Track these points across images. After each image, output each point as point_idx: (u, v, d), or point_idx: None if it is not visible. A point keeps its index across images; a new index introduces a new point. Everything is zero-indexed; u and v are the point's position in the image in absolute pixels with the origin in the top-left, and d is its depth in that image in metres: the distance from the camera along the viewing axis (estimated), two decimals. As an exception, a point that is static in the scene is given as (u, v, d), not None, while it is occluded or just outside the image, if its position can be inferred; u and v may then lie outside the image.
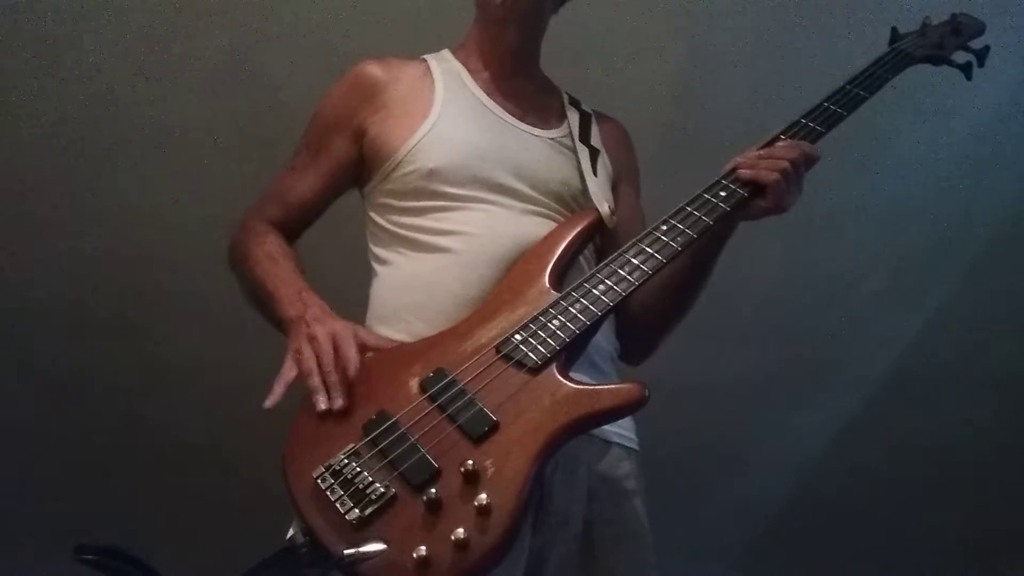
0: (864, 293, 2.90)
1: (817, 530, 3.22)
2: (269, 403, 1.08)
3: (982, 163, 2.70)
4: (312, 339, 1.14)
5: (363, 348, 1.15)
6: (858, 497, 3.17)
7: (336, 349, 1.13)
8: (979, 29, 1.51)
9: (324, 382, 1.10)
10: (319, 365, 1.11)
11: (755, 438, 3.13)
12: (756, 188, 1.20)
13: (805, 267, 2.82)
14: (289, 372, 1.12)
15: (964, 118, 2.60)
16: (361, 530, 0.96)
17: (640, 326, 1.39)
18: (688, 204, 1.21)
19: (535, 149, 1.39)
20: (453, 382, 1.08)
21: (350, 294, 1.36)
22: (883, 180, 2.71)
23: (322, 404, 1.08)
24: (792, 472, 3.22)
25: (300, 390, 1.11)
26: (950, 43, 1.48)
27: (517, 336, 1.12)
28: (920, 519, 3.16)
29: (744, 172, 1.21)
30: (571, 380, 1.08)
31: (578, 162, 1.41)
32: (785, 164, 1.19)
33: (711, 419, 3.01)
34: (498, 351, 1.11)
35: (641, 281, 1.15)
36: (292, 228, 1.43)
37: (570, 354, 1.13)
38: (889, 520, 3.17)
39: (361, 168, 1.41)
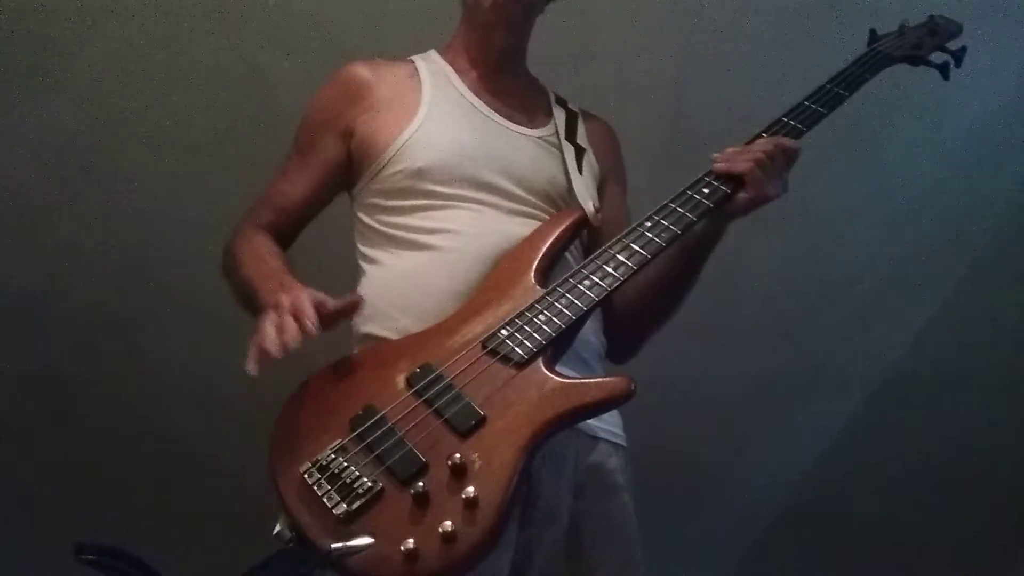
0: (864, 293, 2.89)
1: (817, 530, 3.21)
2: (250, 368, 1.06)
3: (982, 162, 2.69)
4: (277, 304, 1.12)
5: (319, 305, 1.12)
6: (858, 497, 3.16)
7: (295, 302, 1.10)
8: (956, 31, 1.53)
9: (279, 324, 1.07)
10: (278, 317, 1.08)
11: (755, 438, 3.12)
12: (736, 183, 1.22)
13: (805, 267, 2.81)
14: (256, 337, 1.09)
15: (964, 117, 2.59)
16: (348, 524, 0.97)
17: (627, 325, 1.41)
18: (672, 201, 1.24)
19: (522, 148, 1.41)
20: (440, 377, 1.09)
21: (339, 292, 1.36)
22: (883, 180, 2.70)
23: (270, 344, 1.05)
24: (792, 472, 3.21)
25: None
26: (927, 44, 1.50)
27: (503, 331, 1.13)
28: (920, 519, 3.14)
29: (719, 165, 1.24)
30: (558, 374, 1.09)
31: (564, 160, 1.42)
32: (759, 155, 1.21)
33: (711, 419, 3.00)
34: (484, 346, 1.12)
35: (626, 276, 1.16)
36: (285, 232, 1.44)
37: (556, 349, 1.14)
38: (889, 520, 3.15)
39: (350, 169, 1.42)
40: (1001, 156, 2.68)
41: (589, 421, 1.21)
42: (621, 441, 1.34)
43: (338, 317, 1.16)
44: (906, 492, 3.12)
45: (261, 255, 1.33)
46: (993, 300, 2.89)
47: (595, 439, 1.29)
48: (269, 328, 1.07)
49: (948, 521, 3.14)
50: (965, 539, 3.18)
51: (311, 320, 1.08)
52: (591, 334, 1.32)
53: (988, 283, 2.86)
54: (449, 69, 1.46)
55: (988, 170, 2.70)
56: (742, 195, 1.22)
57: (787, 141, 1.25)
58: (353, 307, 1.19)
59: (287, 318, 1.08)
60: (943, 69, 1.49)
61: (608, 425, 1.31)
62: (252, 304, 1.26)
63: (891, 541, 3.18)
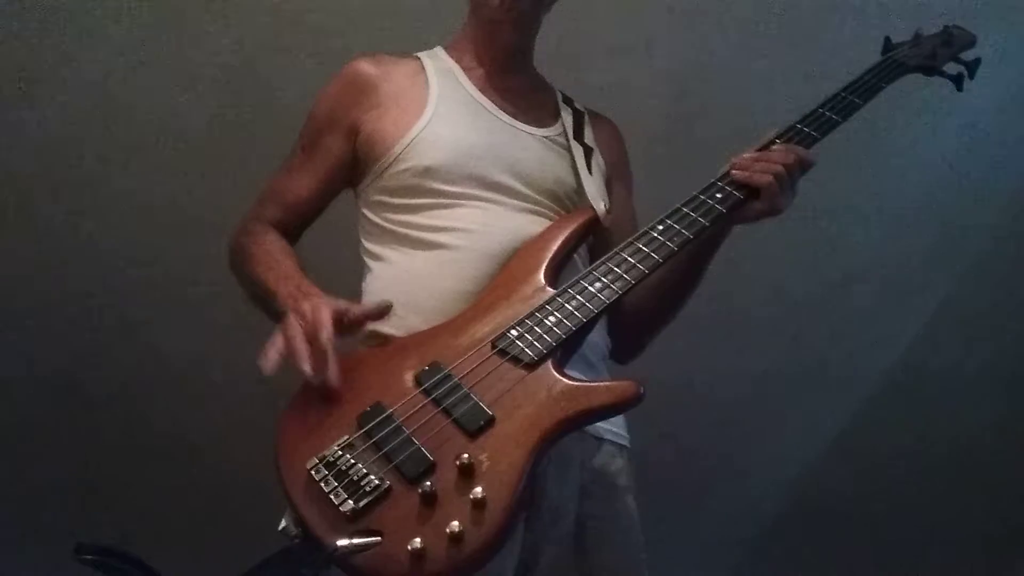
0: (864, 293, 2.90)
1: (817, 530, 3.22)
2: (267, 368, 1.07)
3: (982, 162, 2.70)
4: (297, 311, 1.13)
5: (342, 315, 1.13)
6: (858, 497, 3.16)
7: (313, 312, 1.11)
8: (970, 41, 1.52)
9: (309, 349, 1.08)
10: (303, 332, 1.09)
11: (755, 438, 3.13)
12: (750, 191, 1.22)
13: (805, 267, 2.82)
14: (276, 340, 1.10)
15: (964, 117, 2.60)
16: (355, 522, 0.97)
17: (631, 325, 1.40)
18: (684, 205, 1.23)
19: (529, 147, 1.40)
20: (448, 376, 1.09)
21: (342, 290, 1.36)
22: (883, 179, 2.71)
23: (306, 369, 1.06)
24: (792, 472, 3.21)
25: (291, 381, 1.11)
26: (942, 54, 1.50)
27: (513, 331, 1.12)
28: (920, 519, 3.15)
29: (738, 174, 1.23)
30: (567, 376, 1.09)
31: (572, 160, 1.42)
32: (779, 168, 1.21)
33: (711, 419, 3.00)
34: (494, 346, 1.11)
35: (637, 280, 1.16)
36: (291, 228, 1.44)
37: (566, 351, 1.14)
38: (889, 520, 3.16)
39: (355, 166, 1.41)
40: (1001, 155, 2.68)
41: None
42: (625, 442, 1.34)
43: (364, 322, 1.16)
44: (906, 492, 3.13)
45: (275, 255, 1.33)
46: (993, 299, 2.90)
47: (600, 440, 1.29)
48: (292, 336, 1.09)
49: (949, 521, 3.15)
50: (966, 539, 3.19)
51: (327, 333, 1.08)
52: (595, 334, 1.31)
53: (988, 282, 2.87)
54: (455, 67, 1.45)
55: (988, 169, 2.71)
56: (756, 205, 1.22)
57: (804, 153, 1.25)
58: (382, 313, 1.18)
59: (307, 328, 1.09)
60: (957, 80, 1.48)
61: (613, 426, 1.31)
62: (267, 304, 1.27)
63: (891, 541, 3.19)
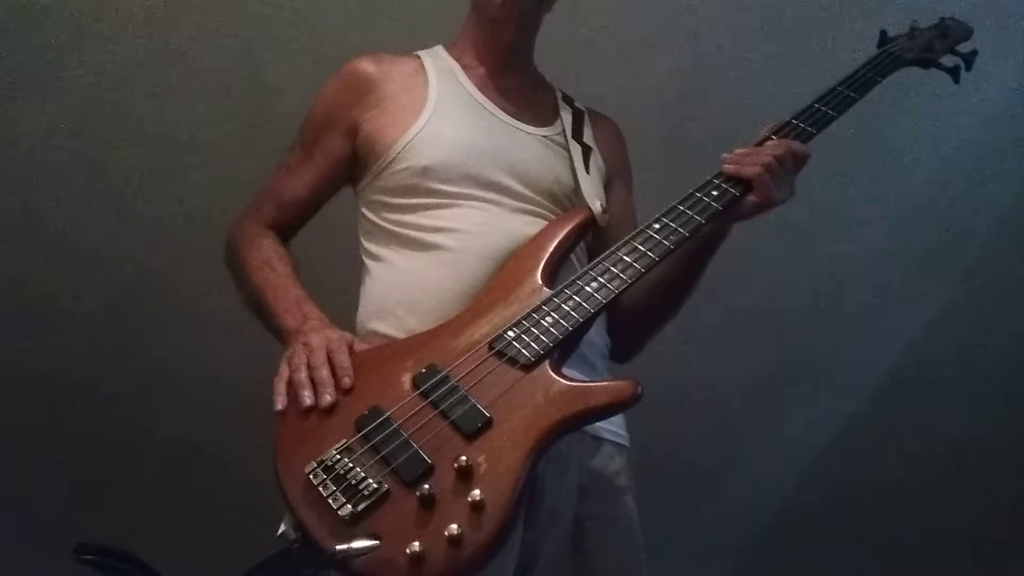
0: (864, 294, 2.89)
1: (817, 530, 3.21)
2: (280, 405, 1.11)
3: (982, 163, 2.69)
4: (307, 345, 1.16)
5: (351, 348, 1.17)
6: (858, 497, 3.16)
7: (329, 354, 1.14)
8: (967, 33, 1.52)
9: (312, 379, 1.11)
10: (309, 365, 1.13)
11: (755, 438, 3.12)
12: (746, 187, 1.22)
13: (805, 267, 2.81)
14: (284, 373, 1.14)
15: (964, 118, 2.59)
16: (353, 526, 0.96)
17: (630, 325, 1.40)
18: (680, 203, 1.23)
19: (528, 147, 1.40)
20: (446, 378, 1.09)
21: (342, 289, 1.37)
22: (883, 180, 2.70)
23: (307, 400, 1.09)
24: (792, 472, 3.21)
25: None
26: (938, 47, 1.49)
27: (510, 333, 1.12)
28: (920, 519, 3.15)
29: (727, 167, 1.23)
30: (564, 377, 1.09)
31: (571, 160, 1.42)
32: (768, 159, 1.21)
33: (710, 419, 3.00)
34: (491, 347, 1.11)
35: (634, 279, 1.16)
36: (288, 227, 1.44)
37: (563, 351, 1.13)
38: (889, 520, 3.16)
39: (355, 165, 1.41)
40: (1001, 156, 2.68)
41: None
42: (624, 442, 1.34)
43: None
44: (905, 493, 3.13)
45: (272, 263, 1.34)
46: (993, 301, 2.89)
47: (599, 440, 1.28)
48: (301, 382, 1.12)
49: (947, 522, 3.14)
50: (964, 540, 3.18)
51: (349, 377, 1.12)
52: (595, 333, 1.31)
53: (988, 283, 2.86)
54: (456, 66, 1.45)
55: (988, 170, 2.70)
56: (750, 199, 1.22)
57: (797, 145, 1.25)
58: None
59: (320, 361, 1.14)
60: (954, 73, 1.48)
61: (612, 426, 1.31)
62: (262, 313, 1.30)
63: (890, 542, 3.18)
